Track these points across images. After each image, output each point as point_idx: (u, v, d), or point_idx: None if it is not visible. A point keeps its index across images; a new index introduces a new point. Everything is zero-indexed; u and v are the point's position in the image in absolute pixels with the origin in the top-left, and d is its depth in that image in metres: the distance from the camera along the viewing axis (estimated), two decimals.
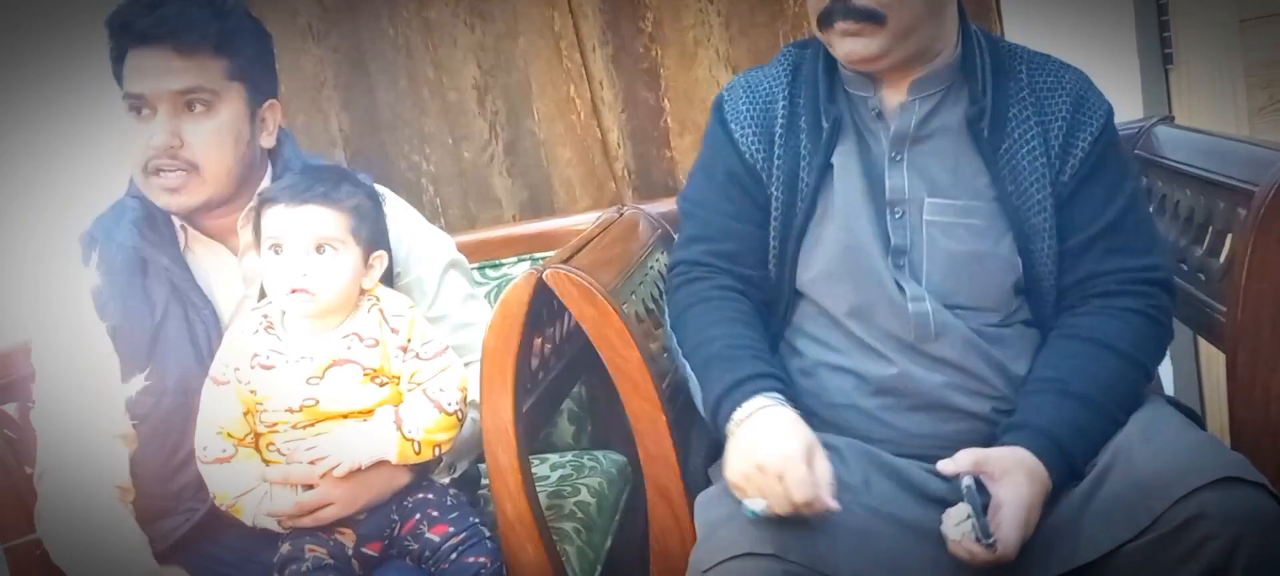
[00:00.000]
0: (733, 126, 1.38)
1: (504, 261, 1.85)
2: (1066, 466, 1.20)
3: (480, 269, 1.84)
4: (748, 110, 1.38)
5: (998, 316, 1.31)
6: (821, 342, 1.35)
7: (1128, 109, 1.82)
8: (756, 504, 1.17)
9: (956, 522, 1.17)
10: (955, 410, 1.28)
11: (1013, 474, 1.17)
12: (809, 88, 1.36)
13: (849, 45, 1.28)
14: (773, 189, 1.36)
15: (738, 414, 1.24)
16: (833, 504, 1.17)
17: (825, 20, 1.29)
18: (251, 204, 1.37)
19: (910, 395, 1.30)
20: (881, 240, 1.31)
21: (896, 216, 1.31)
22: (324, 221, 1.30)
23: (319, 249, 1.30)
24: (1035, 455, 1.19)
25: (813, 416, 1.31)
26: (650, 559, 1.34)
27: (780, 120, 1.36)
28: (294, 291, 1.30)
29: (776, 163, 1.36)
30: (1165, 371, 1.75)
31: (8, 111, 1.86)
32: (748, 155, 1.37)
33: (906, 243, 1.31)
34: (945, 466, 1.19)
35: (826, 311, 1.34)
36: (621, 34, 1.90)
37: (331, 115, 1.97)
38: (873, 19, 1.26)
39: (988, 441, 1.26)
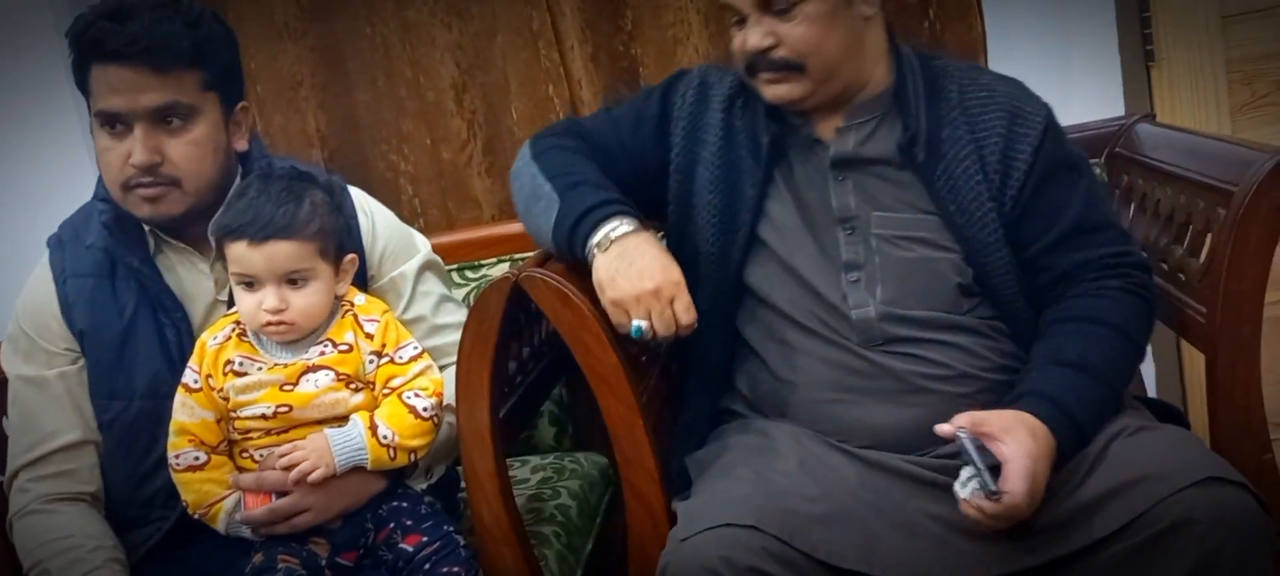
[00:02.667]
0: (674, 113, 1.42)
1: (483, 262, 1.84)
2: (1070, 425, 1.20)
3: (459, 270, 1.83)
4: (692, 109, 1.41)
5: (950, 315, 1.32)
6: (779, 341, 1.37)
7: (1109, 106, 1.82)
8: (642, 323, 1.25)
9: (964, 482, 1.16)
10: (918, 392, 1.30)
11: (1013, 430, 1.17)
12: (753, 104, 1.39)
13: (774, 90, 1.34)
14: (672, 181, 1.40)
15: (608, 227, 1.29)
16: (695, 316, 1.27)
17: (750, 70, 1.35)
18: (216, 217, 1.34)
19: (869, 387, 1.31)
20: (830, 255, 1.34)
21: (847, 232, 1.34)
22: (290, 255, 1.27)
23: (290, 281, 1.29)
24: (1036, 416, 1.19)
25: (776, 412, 1.34)
26: (628, 563, 1.33)
27: (716, 130, 1.39)
28: (269, 325, 1.28)
29: (702, 169, 1.39)
30: (1147, 370, 1.75)
31: None
32: (667, 143, 1.41)
33: (859, 257, 1.34)
34: (942, 428, 1.19)
35: (779, 309, 1.37)
36: (600, 32, 1.89)
37: (309, 115, 1.95)
38: (793, 68, 1.31)
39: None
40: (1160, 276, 1.43)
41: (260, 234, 1.26)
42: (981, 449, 1.16)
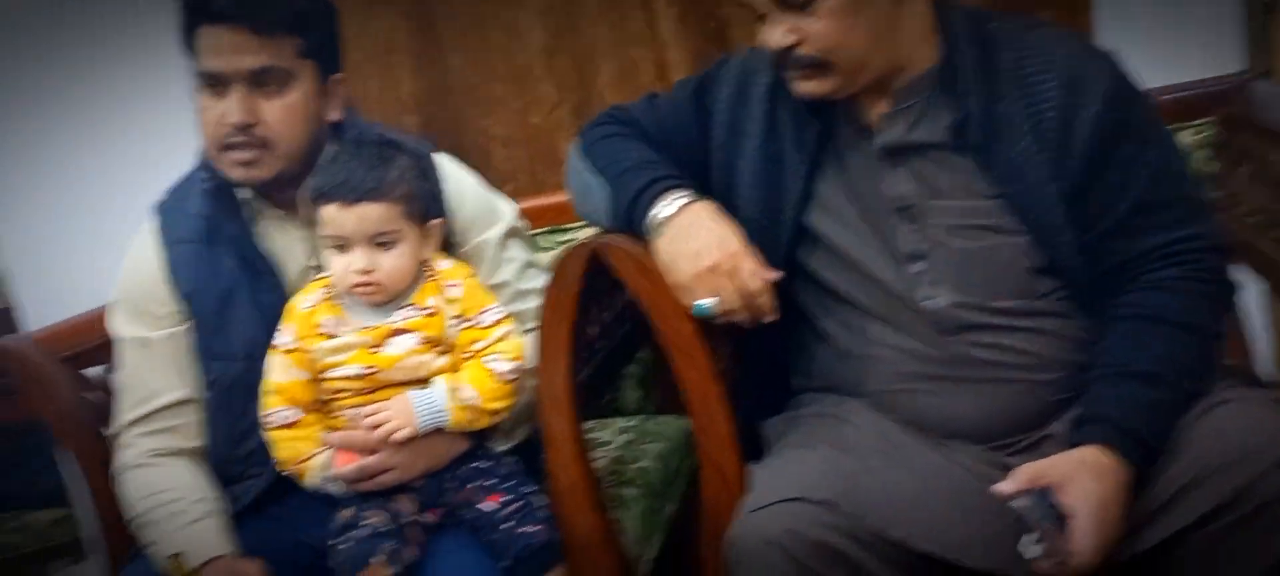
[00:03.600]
0: (712, 108, 1.36)
1: (569, 227, 1.85)
2: (1138, 447, 1.14)
3: (547, 233, 1.84)
4: (731, 102, 1.36)
5: (1025, 301, 1.26)
6: (845, 325, 1.33)
7: (1229, 61, 1.71)
8: (707, 302, 1.22)
9: (1028, 544, 1.10)
10: (999, 381, 1.25)
11: (1076, 478, 1.11)
12: (793, 97, 1.31)
13: (804, 87, 1.26)
14: (713, 177, 1.35)
15: (659, 207, 1.25)
16: (773, 274, 1.23)
17: (779, 66, 1.27)
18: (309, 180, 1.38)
19: (945, 376, 1.27)
20: (889, 246, 1.28)
21: (907, 222, 1.28)
22: (379, 217, 1.30)
23: (379, 243, 1.32)
24: (1102, 446, 1.13)
25: (851, 394, 1.31)
26: (702, 526, 1.34)
27: (758, 123, 1.33)
28: (358, 286, 1.32)
29: (744, 163, 1.34)
30: (1262, 344, 1.66)
31: (89, 80, 1.92)
32: (708, 138, 1.35)
33: (922, 247, 1.27)
34: (1002, 488, 1.13)
35: (840, 294, 1.32)
36: None
37: (402, 80, 1.99)
38: (819, 66, 1.23)
39: (1040, 411, 1.23)
40: (1271, 243, 1.36)
41: (351, 196, 1.30)
42: (1043, 500, 1.10)
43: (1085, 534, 1.08)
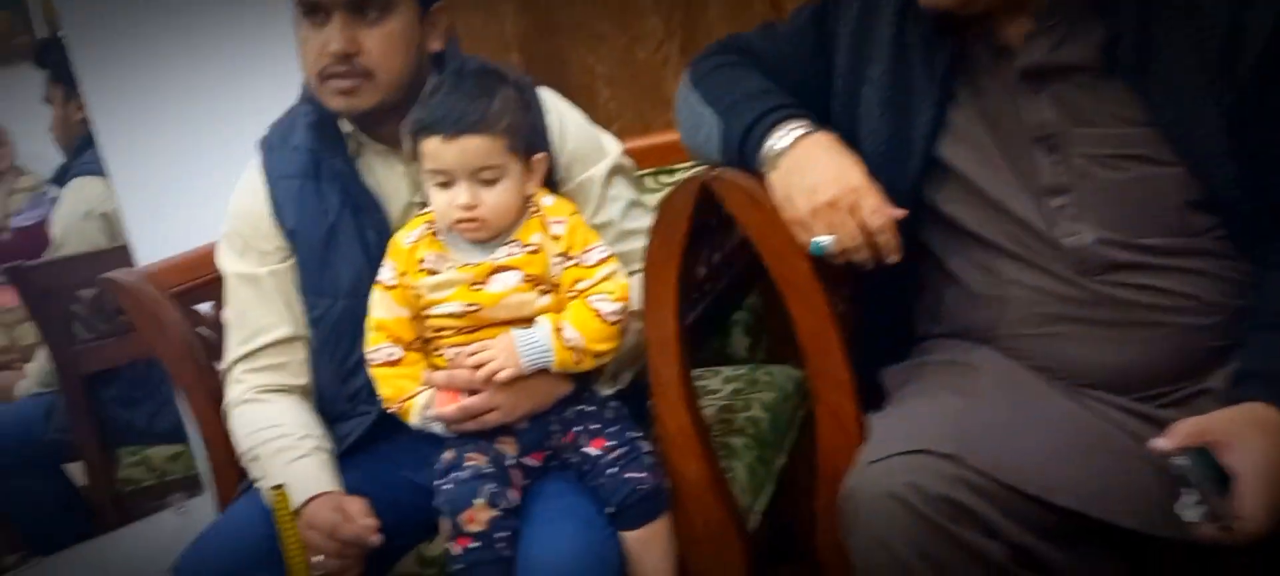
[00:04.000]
0: (837, 30, 1.27)
1: (677, 167, 1.78)
2: None
3: (653, 174, 1.78)
4: (856, 24, 1.26)
5: (1179, 239, 1.15)
6: (977, 265, 1.24)
7: None
8: (824, 239, 1.14)
9: (1188, 505, 1.01)
10: (1149, 325, 1.15)
11: (1244, 437, 1.01)
12: (924, 16, 1.22)
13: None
14: (835, 105, 1.27)
15: (774, 138, 1.18)
16: (898, 212, 1.14)
17: None
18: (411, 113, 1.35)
19: (1088, 318, 1.17)
20: (1027, 178, 1.18)
21: (1047, 153, 1.18)
22: (481, 150, 1.27)
23: (481, 178, 1.28)
24: (1269, 403, 1.03)
25: (980, 340, 1.23)
26: (818, 477, 1.27)
27: (885, 46, 1.24)
28: (461, 221, 1.28)
29: (869, 90, 1.24)
30: None
31: (198, 15, 1.93)
32: (830, 64, 1.27)
33: (1064, 180, 1.17)
34: (1159, 444, 1.03)
35: (971, 232, 1.23)
36: None
37: (506, 18, 1.95)
38: None
39: (1194, 360, 1.13)
40: None
41: (453, 128, 1.26)
42: (1205, 459, 1.00)
43: (1253, 498, 0.98)
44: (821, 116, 1.25)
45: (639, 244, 1.40)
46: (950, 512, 1.07)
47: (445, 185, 1.30)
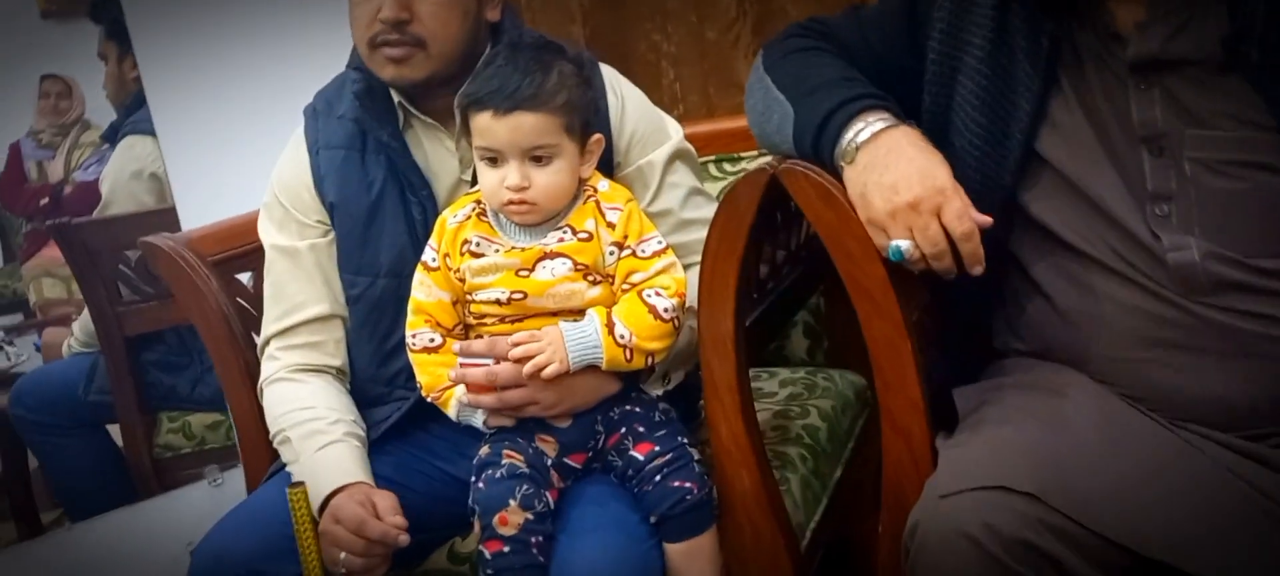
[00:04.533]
0: (931, 15, 1.17)
1: (742, 156, 1.69)
2: None
3: (716, 162, 1.69)
4: (953, 7, 1.16)
5: None
6: (1070, 278, 1.13)
7: None
8: (903, 243, 1.05)
9: None
10: (1260, 357, 1.03)
11: None
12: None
13: None
14: (927, 95, 1.16)
15: (853, 130, 1.09)
16: (984, 219, 1.05)
17: None
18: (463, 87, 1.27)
19: (1191, 346, 1.06)
20: (1130, 182, 1.08)
21: (1154, 155, 1.07)
22: (535, 128, 1.19)
23: (534, 157, 1.20)
24: None
25: (1067, 361, 1.12)
26: (882, 502, 1.17)
27: (984, 31, 1.13)
28: (511, 203, 1.20)
29: (965, 79, 1.14)
30: None
31: None
32: (921, 50, 1.16)
33: (1169, 185, 1.06)
34: None
35: (1066, 242, 1.12)
36: None
37: None
38: None
39: None
40: None
41: (505, 104, 1.18)
42: None
43: None
44: (908, 110, 1.15)
45: (698, 235, 1.32)
46: (1028, 558, 0.96)
47: (495, 163, 1.22)
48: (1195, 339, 1.06)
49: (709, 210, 1.37)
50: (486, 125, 1.20)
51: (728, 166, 1.69)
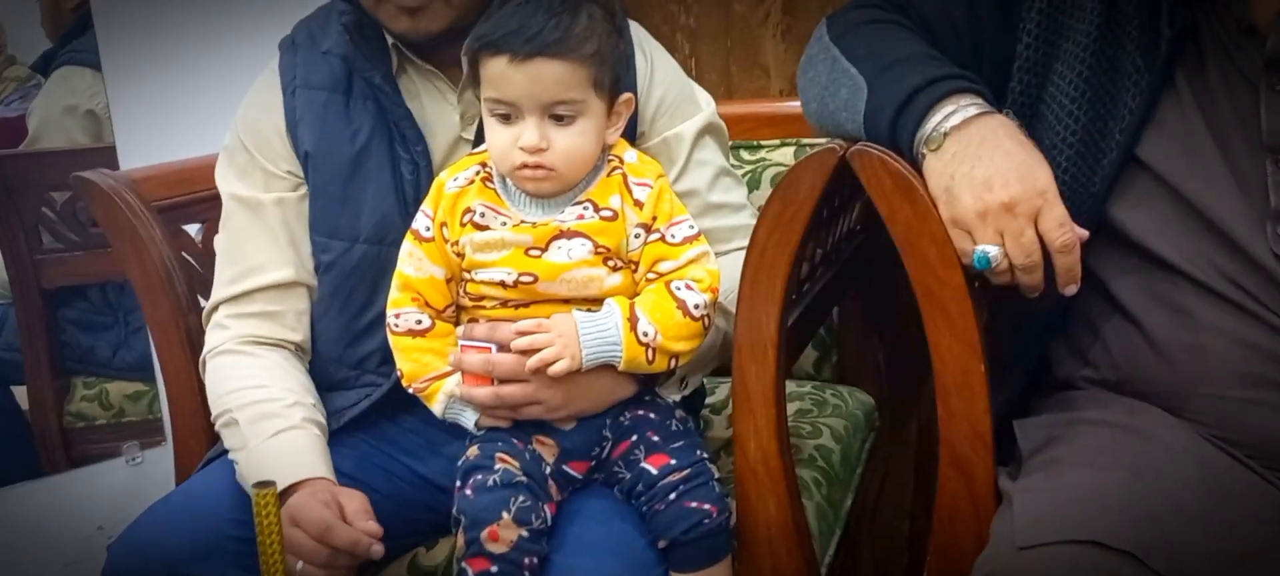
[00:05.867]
0: None
1: (763, 144, 1.53)
2: None
3: (734, 149, 1.54)
4: None
5: None
6: (1168, 304, 1.00)
7: None
8: (991, 249, 0.92)
9: None
10: None
11: None
12: None
13: None
14: (1017, 81, 1.04)
15: (942, 113, 0.95)
16: (1083, 233, 0.94)
17: None
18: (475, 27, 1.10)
19: None
20: (1250, 197, 0.96)
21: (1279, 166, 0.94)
22: (558, 80, 1.02)
23: (554, 114, 1.03)
24: None
25: (1156, 398, 0.99)
26: (930, 544, 1.03)
27: (1091, 16, 1.01)
28: (525, 167, 1.03)
29: (1063, 67, 1.01)
30: None
31: None
32: (1014, 31, 1.04)
33: None
34: None
35: (1166, 261, 0.99)
36: None
37: None
38: None
39: None
40: None
41: (526, 48, 1.00)
42: None
43: None
44: (995, 91, 1.01)
45: (725, 221, 1.19)
46: None
47: (508, 119, 1.04)
48: None
49: (738, 194, 1.24)
50: (501, 73, 1.02)
51: (746, 155, 1.54)
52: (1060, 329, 1.11)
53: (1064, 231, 0.92)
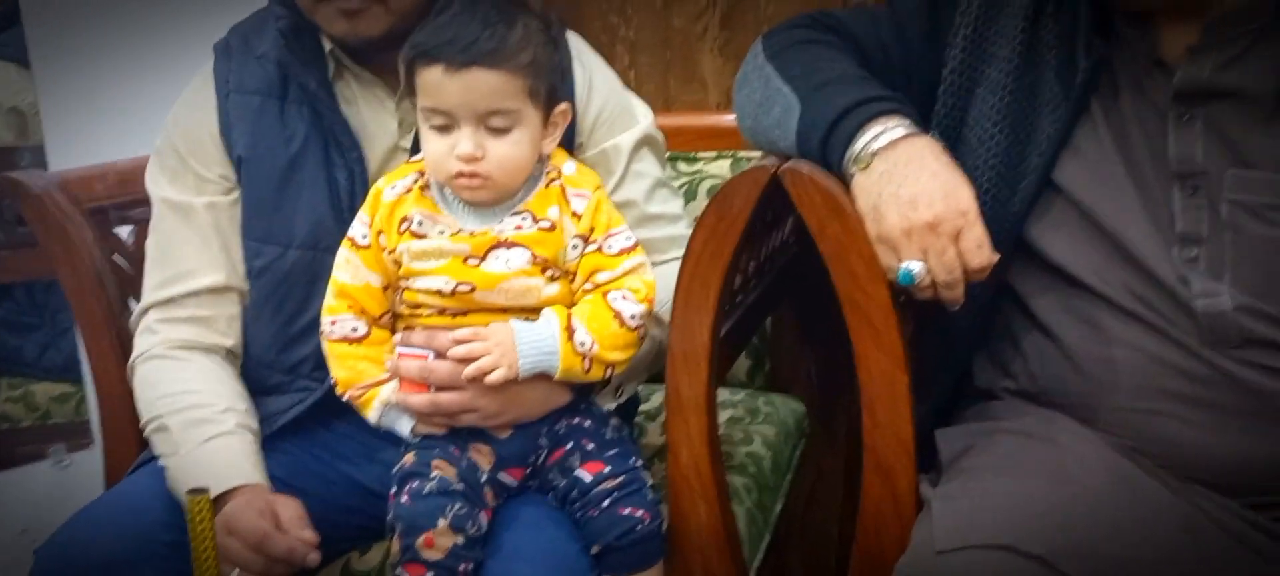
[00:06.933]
0: (955, 18, 1.08)
1: (700, 156, 1.56)
2: None
3: (672, 161, 1.56)
4: (980, 13, 1.07)
5: None
6: (1083, 320, 1.04)
7: None
8: (915, 265, 0.95)
9: None
10: None
11: None
12: (1067, 13, 1.04)
13: None
14: (941, 105, 1.08)
15: (871, 133, 0.98)
16: (995, 255, 0.96)
17: None
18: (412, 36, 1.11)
19: (1212, 402, 0.98)
20: (1158, 221, 1.00)
21: (1187, 193, 0.99)
22: (494, 90, 1.03)
23: (490, 125, 1.04)
24: None
25: (1071, 409, 1.04)
26: (855, 548, 1.06)
27: (1012, 43, 1.05)
28: (460, 176, 1.04)
29: (986, 92, 1.05)
30: None
31: None
32: (940, 56, 1.08)
33: (1201, 227, 0.99)
34: None
35: (1080, 281, 1.04)
36: None
37: None
38: None
39: None
40: None
41: (461, 57, 1.01)
42: None
43: None
44: (923, 120, 1.05)
45: (662, 232, 1.21)
46: None
47: (444, 129, 1.05)
48: (1216, 394, 0.98)
49: (675, 205, 1.26)
50: (437, 82, 1.03)
51: (684, 166, 1.56)
52: (982, 342, 1.15)
53: (981, 253, 0.95)
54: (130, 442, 1.25)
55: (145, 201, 1.24)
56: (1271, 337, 0.97)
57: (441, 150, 1.05)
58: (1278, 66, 0.97)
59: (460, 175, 1.05)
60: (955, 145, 1.06)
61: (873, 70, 1.07)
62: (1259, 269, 0.97)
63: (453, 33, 1.03)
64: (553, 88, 1.09)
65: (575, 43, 1.22)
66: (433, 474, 1.05)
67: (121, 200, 1.32)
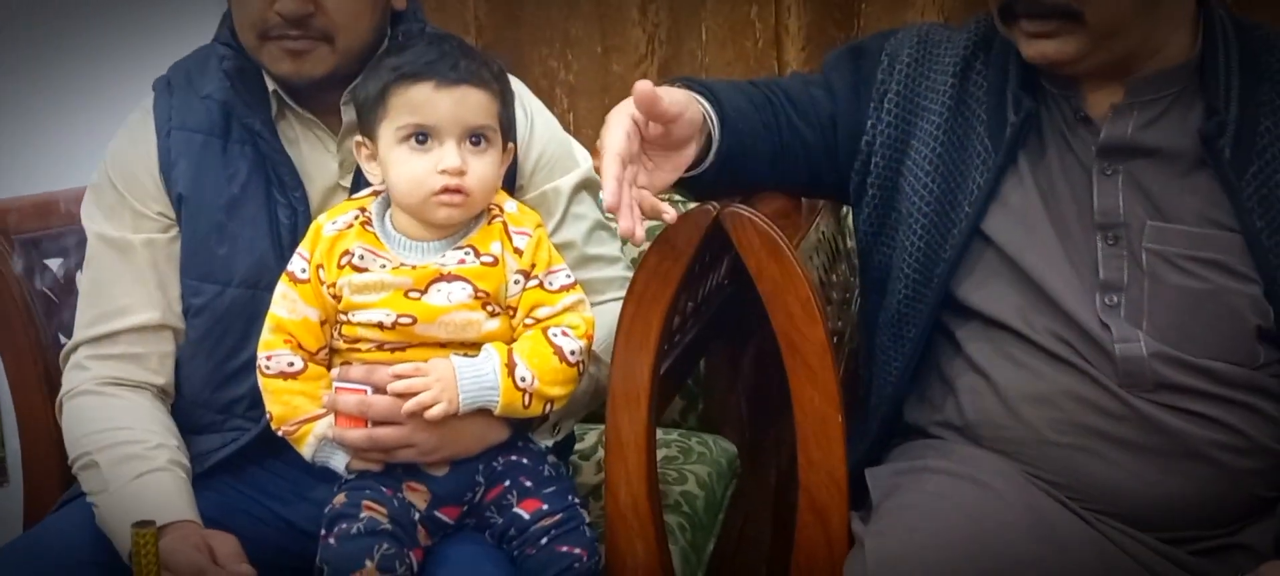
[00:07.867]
0: (879, 78, 1.14)
1: None
2: None
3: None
4: (908, 74, 1.12)
5: (1243, 369, 1.03)
6: (1010, 359, 1.09)
7: None
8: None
9: None
10: (1194, 458, 1.01)
11: None
12: (995, 70, 1.09)
13: (1038, 47, 1.03)
14: (875, 162, 1.13)
15: None
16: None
17: (1006, 13, 1.04)
18: (359, 80, 1.12)
19: (1127, 441, 1.03)
20: (1081, 269, 1.05)
21: (1109, 243, 1.05)
22: (482, 106, 1.07)
23: (474, 140, 1.06)
24: None
25: (994, 444, 1.07)
26: None
27: (943, 99, 1.10)
28: (447, 190, 1.05)
29: (919, 146, 1.11)
30: None
31: None
32: (863, 117, 1.13)
33: (1121, 276, 1.04)
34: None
35: (1005, 325, 1.08)
36: None
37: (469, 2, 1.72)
38: (1067, 16, 1.00)
39: (1236, 507, 1.02)
40: None
41: (452, 74, 1.05)
42: None
43: None
44: (844, 162, 1.11)
45: (600, 273, 1.23)
46: None
47: (424, 144, 1.06)
48: (1131, 432, 1.03)
49: (613, 247, 1.28)
50: (426, 98, 1.05)
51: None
52: (913, 383, 1.18)
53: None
54: (54, 480, 1.22)
55: (77, 233, 1.22)
56: (1182, 382, 1.01)
57: (422, 168, 1.06)
58: (1193, 127, 1.03)
59: (444, 189, 1.05)
60: (892, 195, 1.10)
61: (804, 116, 1.13)
62: (1173, 316, 1.02)
63: (435, 55, 1.07)
64: (510, 122, 1.12)
65: (517, 87, 1.24)
66: (362, 515, 1.04)
67: (54, 231, 1.30)
